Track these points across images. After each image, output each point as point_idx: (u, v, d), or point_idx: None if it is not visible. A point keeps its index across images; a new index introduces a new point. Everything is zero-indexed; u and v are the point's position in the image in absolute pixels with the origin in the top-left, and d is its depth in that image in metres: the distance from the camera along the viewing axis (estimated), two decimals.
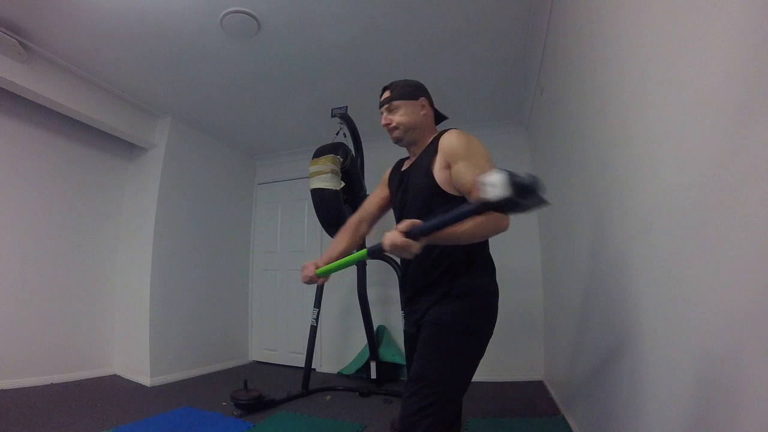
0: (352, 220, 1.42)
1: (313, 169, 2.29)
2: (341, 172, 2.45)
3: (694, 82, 0.79)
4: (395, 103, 1.24)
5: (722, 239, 0.70)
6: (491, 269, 1.18)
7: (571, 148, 1.89)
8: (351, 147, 2.78)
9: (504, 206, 0.71)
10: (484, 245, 1.18)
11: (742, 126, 0.65)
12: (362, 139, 2.95)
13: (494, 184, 0.69)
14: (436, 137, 1.22)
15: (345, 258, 1.18)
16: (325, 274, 1.23)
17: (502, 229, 0.96)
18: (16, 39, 2.28)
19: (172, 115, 3.38)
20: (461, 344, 1.08)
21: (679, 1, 0.85)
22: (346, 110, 2.71)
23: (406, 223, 0.90)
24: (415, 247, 0.90)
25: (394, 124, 1.24)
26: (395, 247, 0.91)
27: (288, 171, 4.23)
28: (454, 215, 0.83)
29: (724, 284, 0.70)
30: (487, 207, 0.73)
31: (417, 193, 1.18)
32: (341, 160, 2.39)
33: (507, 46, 2.49)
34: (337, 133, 2.69)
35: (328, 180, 2.24)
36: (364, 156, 2.99)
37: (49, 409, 2.22)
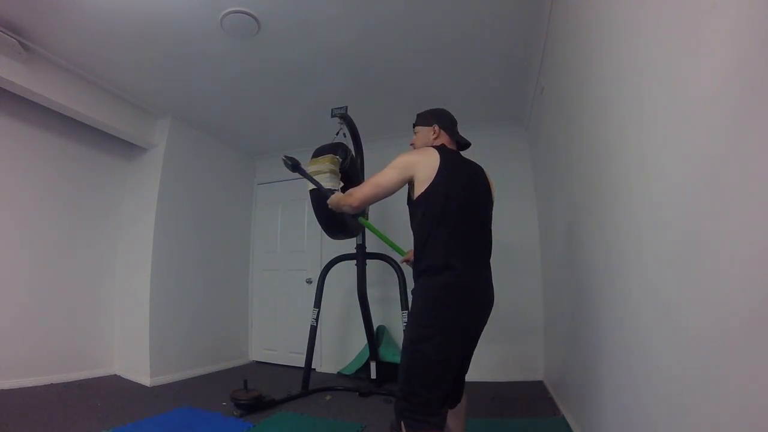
0: None
1: (312, 168, 2.29)
2: (341, 172, 2.44)
3: (693, 83, 0.79)
4: (415, 129, 1.56)
5: (721, 240, 0.71)
6: (440, 268, 1.25)
7: (571, 148, 1.89)
8: (351, 147, 2.78)
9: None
10: (432, 247, 1.27)
11: (741, 127, 0.65)
12: (362, 139, 2.95)
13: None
14: None
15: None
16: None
17: (343, 204, 1.47)
18: (16, 39, 2.28)
19: (172, 115, 3.38)
20: (415, 332, 1.24)
21: (678, 2, 0.85)
22: (346, 110, 2.71)
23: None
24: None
25: (412, 144, 1.55)
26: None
27: (288, 171, 4.21)
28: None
29: (722, 285, 0.70)
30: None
31: None
32: (340, 160, 2.39)
33: (507, 47, 2.49)
34: (337, 133, 2.69)
35: (327, 180, 2.23)
36: (364, 156, 2.99)
37: (49, 409, 2.22)
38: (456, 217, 1.28)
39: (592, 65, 1.47)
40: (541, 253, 3.12)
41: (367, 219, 2.78)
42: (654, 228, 1.00)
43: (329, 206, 1.55)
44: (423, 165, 1.31)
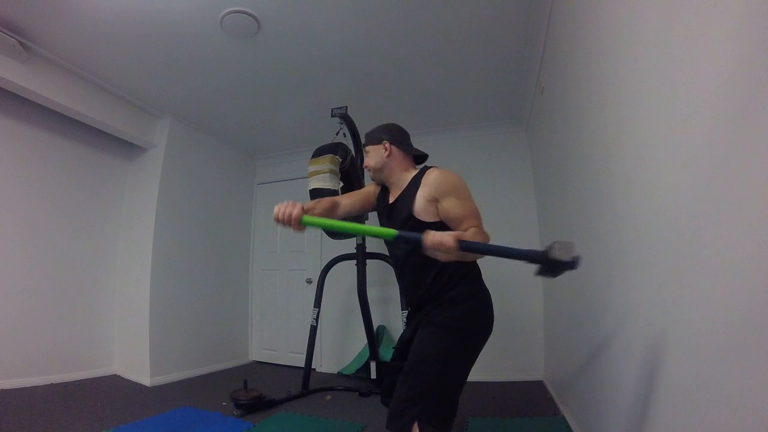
0: (332, 200, 1.40)
1: (311, 168, 2.29)
2: (340, 172, 2.44)
3: (693, 82, 0.79)
4: (366, 148, 1.45)
5: (722, 239, 0.70)
6: (480, 276, 1.32)
7: (571, 148, 1.89)
8: (351, 147, 2.78)
9: (554, 266, 0.91)
10: (470, 265, 1.31)
11: (741, 127, 0.65)
12: (362, 139, 2.95)
13: (564, 249, 0.89)
14: (417, 175, 1.34)
15: (362, 226, 1.23)
16: (311, 225, 1.15)
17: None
18: (16, 39, 2.28)
19: (172, 115, 3.38)
20: (456, 342, 1.18)
21: (678, 1, 0.85)
22: (346, 110, 2.71)
23: (458, 234, 1.03)
24: (454, 253, 1.01)
25: (367, 166, 1.45)
26: (441, 246, 1.00)
27: (288, 171, 4.23)
28: (505, 250, 0.98)
29: (723, 284, 0.70)
30: (543, 261, 0.92)
31: (401, 227, 1.28)
32: (340, 160, 2.39)
33: (507, 46, 2.49)
34: (337, 133, 2.69)
35: (326, 180, 2.23)
36: (364, 155, 2.99)
37: (49, 409, 2.22)
38: None
39: (592, 65, 1.47)
40: None
41: (368, 219, 2.77)
42: (654, 227, 1.00)
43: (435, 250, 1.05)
44: None
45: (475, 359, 1.23)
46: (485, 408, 2.38)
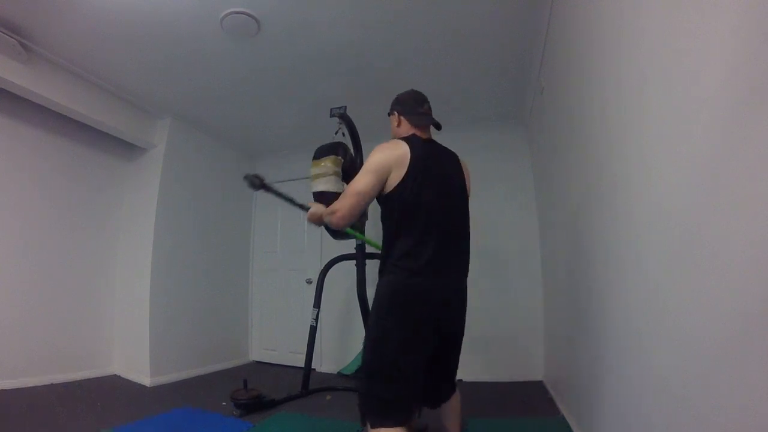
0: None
1: (315, 171, 2.28)
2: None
3: (693, 82, 0.79)
4: (389, 117, 1.54)
5: (721, 240, 0.70)
6: (399, 260, 1.26)
7: (571, 148, 1.89)
8: (350, 146, 2.78)
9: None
10: (393, 249, 1.28)
11: (742, 127, 0.65)
12: (362, 139, 2.95)
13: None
14: None
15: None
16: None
17: (328, 222, 1.39)
18: (16, 39, 2.28)
19: (171, 116, 3.38)
20: (372, 326, 1.30)
21: (678, 1, 0.85)
22: (345, 110, 2.71)
23: (324, 211, 1.41)
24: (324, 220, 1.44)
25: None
26: (312, 217, 1.49)
27: (288, 171, 4.22)
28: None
29: (722, 285, 0.70)
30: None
31: None
32: (342, 160, 2.39)
33: (507, 46, 2.49)
34: (336, 133, 2.69)
35: (331, 183, 2.22)
36: (363, 155, 2.99)
37: (49, 409, 2.22)
38: (425, 218, 1.26)
39: (592, 64, 1.47)
40: (541, 252, 3.12)
41: (367, 219, 2.77)
42: (653, 228, 1.00)
43: (309, 221, 1.49)
44: (396, 162, 1.27)
45: (400, 349, 1.21)
46: (485, 408, 2.38)
